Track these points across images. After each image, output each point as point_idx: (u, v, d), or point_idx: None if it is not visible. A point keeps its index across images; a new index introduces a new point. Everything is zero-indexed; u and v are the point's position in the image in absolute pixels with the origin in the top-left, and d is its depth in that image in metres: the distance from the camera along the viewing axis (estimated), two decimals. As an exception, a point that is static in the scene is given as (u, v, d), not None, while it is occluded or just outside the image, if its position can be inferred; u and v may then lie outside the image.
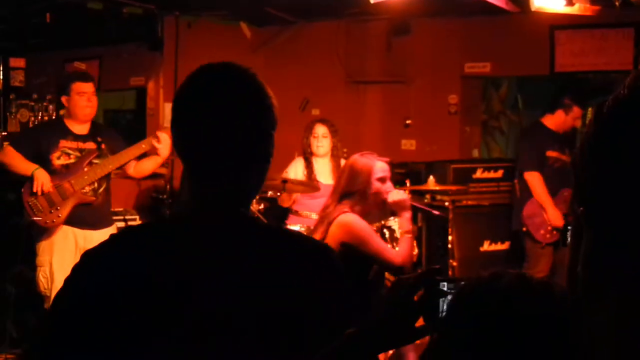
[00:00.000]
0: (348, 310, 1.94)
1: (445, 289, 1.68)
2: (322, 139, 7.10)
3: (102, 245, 1.94)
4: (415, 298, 1.71)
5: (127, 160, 6.23)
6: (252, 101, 1.95)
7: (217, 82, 1.96)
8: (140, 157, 6.40)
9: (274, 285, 1.87)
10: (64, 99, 6.28)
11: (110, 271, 1.87)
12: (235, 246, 1.90)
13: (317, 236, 4.71)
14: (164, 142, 6.11)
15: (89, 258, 1.94)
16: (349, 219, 4.81)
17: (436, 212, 7.69)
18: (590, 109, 7.60)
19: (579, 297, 1.33)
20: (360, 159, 4.96)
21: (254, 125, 1.95)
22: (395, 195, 5.00)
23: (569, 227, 2.92)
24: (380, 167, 4.94)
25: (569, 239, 2.88)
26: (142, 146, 6.18)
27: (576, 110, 7.58)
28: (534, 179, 7.43)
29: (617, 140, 1.22)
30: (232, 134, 1.92)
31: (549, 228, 7.40)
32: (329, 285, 1.94)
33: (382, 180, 4.93)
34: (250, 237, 1.94)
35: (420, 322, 1.72)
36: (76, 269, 1.93)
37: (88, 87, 6.27)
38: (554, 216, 7.33)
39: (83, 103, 6.23)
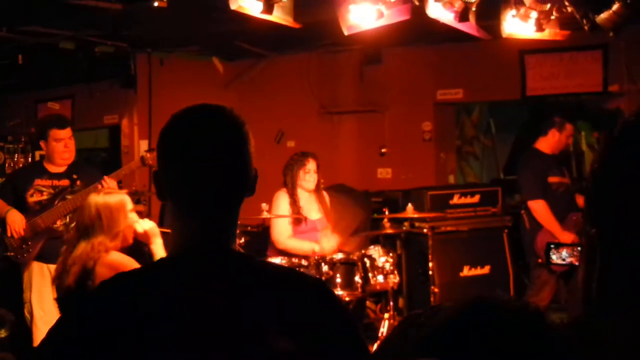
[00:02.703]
0: (356, 344, 1.91)
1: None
2: (313, 174, 7.08)
3: (91, 294, 1.92)
4: None
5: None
6: (235, 141, 1.97)
7: (200, 124, 1.98)
8: None
9: (272, 328, 1.83)
10: (42, 143, 6.31)
11: (97, 320, 1.84)
12: (230, 289, 1.86)
13: (72, 278, 4.51)
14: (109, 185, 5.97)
15: (77, 307, 1.92)
16: (118, 258, 4.51)
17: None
18: (583, 133, 7.59)
19: (592, 314, 1.38)
20: (112, 197, 4.66)
21: (238, 164, 1.97)
22: (143, 224, 4.77)
23: (552, 247, 2.96)
24: (128, 199, 4.74)
25: (553, 259, 2.91)
26: (98, 186, 6.07)
27: (569, 128, 7.53)
28: (540, 207, 7.34)
29: (627, 163, 1.29)
30: (218, 174, 1.94)
31: None
32: (333, 322, 1.91)
33: (131, 211, 4.71)
34: (245, 278, 1.90)
35: None
36: (63, 317, 1.90)
37: (65, 134, 6.29)
38: (567, 239, 7.15)
39: (60, 149, 6.28)
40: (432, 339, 1.47)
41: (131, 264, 4.55)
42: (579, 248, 2.83)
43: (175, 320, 1.81)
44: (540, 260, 7.34)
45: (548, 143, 7.54)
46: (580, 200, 7.56)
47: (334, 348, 1.87)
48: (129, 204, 4.70)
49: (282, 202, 7.05)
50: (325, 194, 7.39)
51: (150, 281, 1.92)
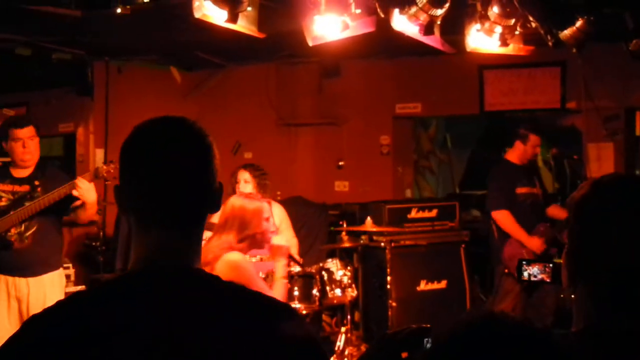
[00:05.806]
0: None
1: (429, 345, 1.69)
2: (243, 185, 6.96)
3: (46, 312, 1.84)
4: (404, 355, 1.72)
5: (47, 204, 5.91)
6: (199, 155, 1.91)
7: (163, 136, 1.91)
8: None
9: (224, 352, 1.73)
10: (3, 144, 6.15)
11: (50, 340, 1.75)
12: (186, 311, 1.77)
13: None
14: (84, 188, 5.80)
15: (30, 325, 1.84)
16: (237, 258, 4.78)
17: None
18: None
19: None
20: (250, 202, 4.98)
21: (202, 178, 1.91)
22: (278, 240, 5.15)
23: (524, 263, 2.94)
24: (266, 207, 5.02)
25: (524, 275, 2.89)
26: (62, 191, 5.88)
27: (533, 139, 7.52)
28: (502, 217, 7.34)
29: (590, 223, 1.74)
30: (181, 189, 1.87)
31: None
32: (298, 352, 1.80)
33: (267, 220, 4.99)
34: (203, 299, 1.81)
35: None
36: (15, 336, 1.83)
37: (23, 133, 6.09)
38: (533, 245, 7.20)
39: (19, 149, 6.07)
40: (443, 351, 1.45)
41: (249, 268, 4.88)
42: (550, 265, 2.81)
43: (124, 339, 1.73)
44: (506, 270, 7.33)
45: (515, 154, 7.56)
46: (550, 210, 7.61)
47: None
48: (266, 212, 5.00)
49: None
50: (277, 208, 7.23)
51: (102, 299, 1.83)
